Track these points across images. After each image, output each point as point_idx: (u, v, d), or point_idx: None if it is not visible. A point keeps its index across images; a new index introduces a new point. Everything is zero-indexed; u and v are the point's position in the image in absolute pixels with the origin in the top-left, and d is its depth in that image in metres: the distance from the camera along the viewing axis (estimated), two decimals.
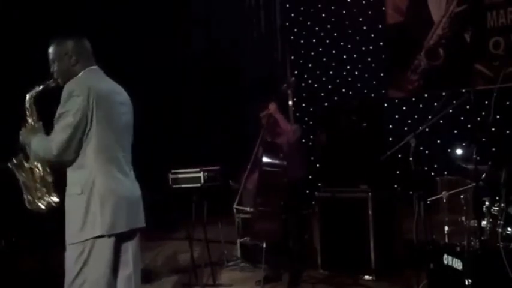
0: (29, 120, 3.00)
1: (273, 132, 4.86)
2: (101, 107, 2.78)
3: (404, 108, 8.44)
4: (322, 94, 9.20)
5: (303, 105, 9.40)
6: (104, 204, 2.75)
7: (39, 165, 2.99)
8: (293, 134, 4.78)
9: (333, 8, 9.10)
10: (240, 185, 4.75)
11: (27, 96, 3.02)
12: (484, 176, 3.59)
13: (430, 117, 4.01)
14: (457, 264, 3.47)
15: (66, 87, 2.80)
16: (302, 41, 9.39)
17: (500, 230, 3.35)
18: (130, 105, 3.07)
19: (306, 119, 9.41)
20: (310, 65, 9.34)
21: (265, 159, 4.64)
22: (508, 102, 7.27)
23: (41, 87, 3.01)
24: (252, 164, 4.76)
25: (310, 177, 8.88)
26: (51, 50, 2.93)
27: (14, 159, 3.02)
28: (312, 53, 9.31)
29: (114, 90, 2.97)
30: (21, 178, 3.00)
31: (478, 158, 3.40)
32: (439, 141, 7.63)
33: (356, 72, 8.92)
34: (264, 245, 4.71)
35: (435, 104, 7.83)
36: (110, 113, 2.85)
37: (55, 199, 3.00)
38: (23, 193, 3.01)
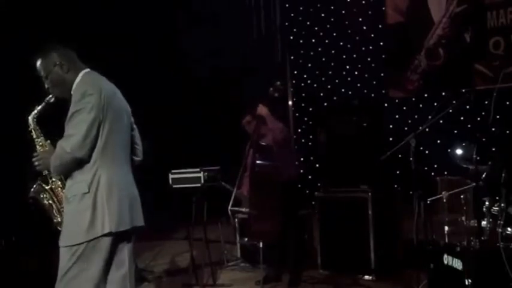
0: (37, 141, 2.99)
1: (258, 133, 4.86)
2: (110, 106, 2.81)
3: (404, 108, 8.44)
4: (322, 94, 9.20)
5: (303, 105, 9.41)
6: (110, 202, 2.76)
7: (59, 183, 2.98)
8: (280, 132, 4.78)
9: (332, 8, 9.10)
10: (234, 188, 4.76)
11: (30, 119, 3.02)
12: (484, 176, 3.59)
13: (430, 117, 4.01)
14: (457, 264, 3.47)
15: (76, 89, 2.81)
16: (302, 41, 9.39)
17: (500, 230, 3.35)
18: (127, 105, 3.09)
19: (306, 119, 9.42)
20: (309, 65, 9.34)
21: (256, 161, 4.65)
22: (508, 102, 7.27)
23: (41, 105, 3.01)
24: (244, 168, 4.77)
25: (310, 177, 8.92)
26: (39, 66, 2.92)
27: (32, 188, 3.01)
28: (312, 53, 9.31)
29: (114, 89, 3.00)
30: (46, 203, 2.99)
31: (478, 158, 3.40)
32: (439, 141, 7.63)
33: (356, 72, 8.92)
34: (261, 245, 4.72)
35: (435, 104, 7.84)
36: (116, 112, 2.87)
37: None
38: (52, 217, 3.00)
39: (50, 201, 2.99)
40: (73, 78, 2.89)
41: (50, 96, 2.99)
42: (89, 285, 2.77)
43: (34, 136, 3.00)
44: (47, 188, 2.99)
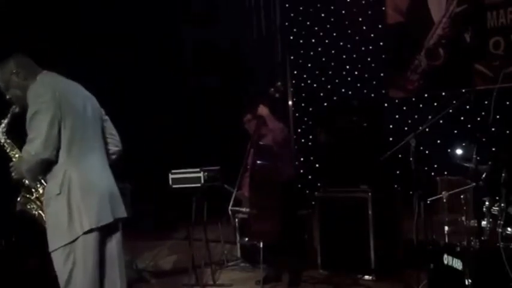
0: (12, 154, 2.96)
1: (258, 133, 4.87)
2: (67, 102, 2.79)
3: (404, 108, 8.45)
4: (322, 94, 9.20)
5: (303, 105, 9.41)
6: (86, 198, 2.76)
7: (41, 191, 2.95)
8: (280, 132, 4.79)
9: (332, 8, 9.10)
10: (235, 188, 4.76)
11: None
12: (484, 176, 3.59)
13: (430, 117, 4.01)
14: (457, 264, 3.47)
15: (29, 92, 2.79)
16: (302, 41, 9.39)
17: (500, 230, 3.35)
18: (92, 98, 3.06)
19: (306, 119, 9.42)
20: (309, 65, 9.34)
21: (256, 161, 4.66)
22: (508, 102, 7.27)
23: (7, 118, 2.99)
24: (245, 168, 4.77)
25: (310, 177, 8.92)
26: None
27: (18, 200, 2.99)
28: (312, 53, 9.31)
29: (73, 85, 2.98)
30: (34, 213, 2.96)
31: (478, 158, 3.41)
32: (439, 141, 7.63)
33: (356, 72, 8.92)
34: (261, 245, 4.72)
35: (435, 104, 7.85)
36: (76, 106, 2.85)
37: None
38: (44, 226, 2.95)
39: (39, 211, 2.95)
40: (33, 83, 2.87)
41: (14, 106, 2.96)
42: (90, 285, 2.78)
43: (8, 150, 2.98)
44: (32, 198, 2.97)
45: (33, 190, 2.96)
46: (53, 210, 2.77)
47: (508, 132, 7.24)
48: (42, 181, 2.91)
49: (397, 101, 8.56)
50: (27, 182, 2.93)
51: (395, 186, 7.19)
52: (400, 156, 3.99)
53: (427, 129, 3.91)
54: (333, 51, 9.12)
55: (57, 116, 2.73)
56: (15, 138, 2.99)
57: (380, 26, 8.69)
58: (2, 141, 2.99)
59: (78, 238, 2.73)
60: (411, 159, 3.68)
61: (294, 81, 9.42)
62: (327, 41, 9.17)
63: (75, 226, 2.73)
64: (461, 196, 3.85)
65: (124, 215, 2.99)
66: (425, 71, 8.22)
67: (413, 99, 8.33)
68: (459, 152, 4.00)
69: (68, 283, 2.76)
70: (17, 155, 2.96)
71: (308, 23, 9.33)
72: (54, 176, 2.77)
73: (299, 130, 9.43)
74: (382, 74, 8.69)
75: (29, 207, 2.97)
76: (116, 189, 2.98)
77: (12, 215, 3.02)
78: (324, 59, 9.19)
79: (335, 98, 9.04)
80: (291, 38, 9.47)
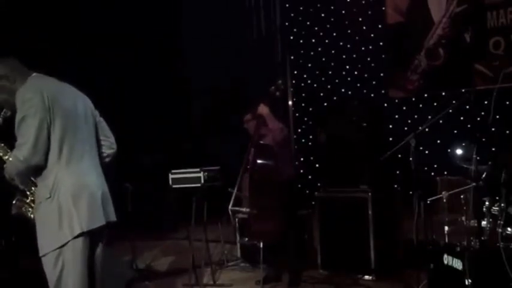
0: (6, 158, 2.91)
1: (259, 133, 4.86)
2: (56, 104, 2.76)
3: (404, 108, 8.45)
4: (322, 94, 9.20)
5: (303, 105, 9.41)
6: (77, 201, 2.73)
7: (35, 193, 2.91)
8: (280, 132, 4.79)
9: (332, 8, 9.10)
10: (235, 188, 4.76)
11: None
12: (484, 176, 3.59)
13: (430, 117, 4.01)
14: (457, 264, 3.47)
15: (17, 96, 2.75)
16: (302, 41, 9.39)
17: (500, 230, 3.35)
18: (84, 98, 3.03)
19: (306, 119, 9.42)
20: (309, 65, 9.34)
21: (257, 161, 4.65)
22: (508, 102, 7.28)
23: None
24: (245, 168, 4.76)
25: (310, 177, 8.92)
26: None
27: (13, 203, 2.95)
28: (312, 53, 9.31)
29: (63, 86, 2.95)
30: (31, 216, 2.92)
31: (478, 158, 3.41)
32: (439, 141, 7.63)
33: (356, 72, 8.93)
34: (261, 245, 4.72)
35: (435, 104, 7.86)
36: (67, 108, 2.82)
37: None
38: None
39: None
40: (20, 87, 2.83)
41: (5, 110, 2.92)
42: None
43: (1, 154, 2.93)
44: (27, 201, 2.94)
45: (28, 193, 2.92)
46: (43, 214, 2.75)
47: (508, 132, 7.24)
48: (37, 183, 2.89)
49: (397, 101, 8.57)
50: (22, 187, 2.90)
51: (395, 186, 7.20)
52: (400, 156, 3.99)
53: (427, 129, 3.91)
54: (333, 51, 9.12)
55: (46, 119, 2.70)
56: (8, 141, 2.94)
57: (380, 26, 8.69)
58: None
59: (68, 242, 2.72)
60: (411, 159, 3.68)
61: (294, 81, 9.42)
62: (327, 41, 9.17)
63: (65, 231, 2.71)
64: (461, 196, 3.85)
65: (114, 219, 2.96)
66: (425, 71, 8.22)
67: (413, 99, 8.33)
68: (459, 152, 4.00)
69: (58, 286, 2.75)
70: (10, 159, 2.91)
71: (308, 23, 9.33)
72: (45, 180, 2.75)
73: (299, 130, 9.44)
74: (382, 74, 8.69)
75: (24, 210, 2.94)
76: (107, 191, 2.95)
77: (12, 215, 3.00)
78: (324, 59, 9.19)
79: (335, 98, 9.05)
80: (291, 38, 9.48)
